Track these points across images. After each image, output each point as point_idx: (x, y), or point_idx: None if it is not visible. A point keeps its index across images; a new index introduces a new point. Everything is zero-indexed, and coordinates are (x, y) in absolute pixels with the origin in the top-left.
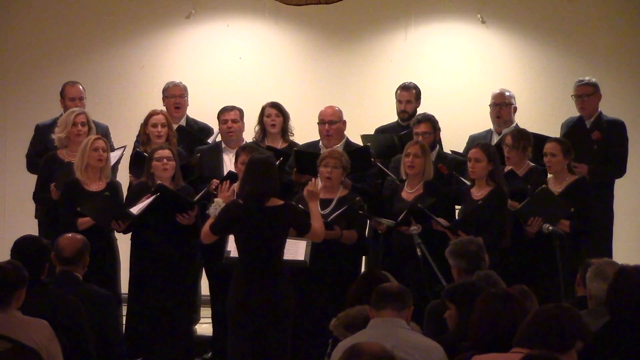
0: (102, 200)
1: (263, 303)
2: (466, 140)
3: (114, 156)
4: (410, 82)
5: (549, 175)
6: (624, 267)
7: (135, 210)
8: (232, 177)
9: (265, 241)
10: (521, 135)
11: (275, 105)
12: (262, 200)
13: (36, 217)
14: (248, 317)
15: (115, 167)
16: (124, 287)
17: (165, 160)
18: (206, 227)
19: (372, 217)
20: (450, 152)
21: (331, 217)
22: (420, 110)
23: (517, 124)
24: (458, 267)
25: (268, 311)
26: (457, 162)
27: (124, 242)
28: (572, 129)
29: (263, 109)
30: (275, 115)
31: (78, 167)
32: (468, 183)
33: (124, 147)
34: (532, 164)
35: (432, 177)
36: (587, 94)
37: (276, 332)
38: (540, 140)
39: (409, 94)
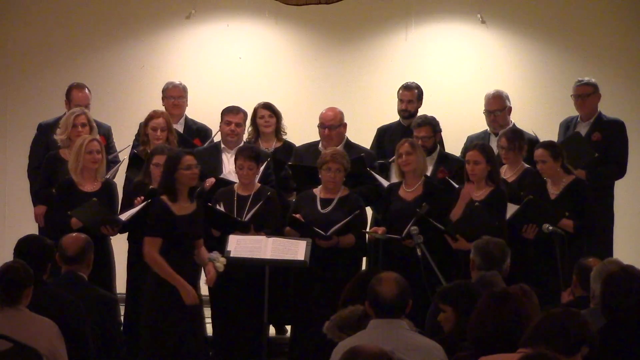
0: (91, 205)
1: None
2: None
3: (112, 169)
4: (413, 82)
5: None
6: (612, 272)
7: (124, 216)
8: (223, 183)
9: None
10: (515, 135)
11: (267, 106)
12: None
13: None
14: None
15: (114, 172)
16: (120, 288)
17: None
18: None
19: (366, 231)
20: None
21: (330, 232)
22: (421, 110)
23: (513, 124)
24: (475, 262)
25: None
26: (461, 163)
27: (123, 242)
28: (570, 141)
29: (255, 110)
30: (268, 117)
31: (73, 169)
32: (457, 186)
33: (121, 162)
34: (526, 165)
35: (433, 176)
36: (586, 93)
37: None
38: (531, 143)
39: (411, 94)
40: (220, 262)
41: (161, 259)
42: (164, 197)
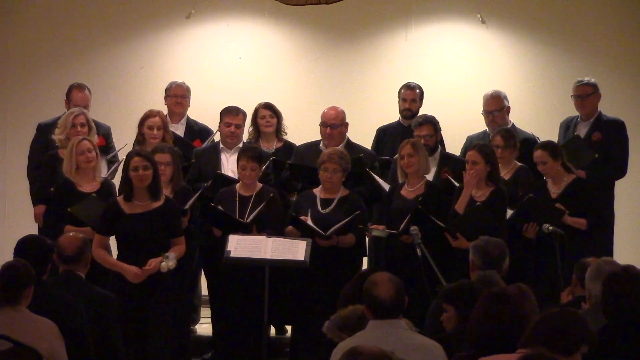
0: (91, 201)
1: None
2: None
3: (111, 170)
4: (414, 82)
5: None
6: (613, 273)
7: None
8: (221, 181)
9: None
10: (510, 134)
11: (268, 106)
12: None
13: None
14: None
15: (113, 172)
16: None
17: (163, 167)
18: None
19: (366, 228)
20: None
21: (330, 231)
22: (421, 110)
23: (513, 124)
24: (474, 262)
25: None
26: (463, 163)
27: None
28: (569, 144)
29: (256, 110)
30: (269, 117)
31: (67, 172)
32: (457, 185)
33: (120, 162)
34: (519, 163)
35: (437, 180)
36: (586, 94)
37: None
38: (529, 143)
39: (413, 94)
40: (167, 264)
41: (102, 251)
42: (119, 197)
